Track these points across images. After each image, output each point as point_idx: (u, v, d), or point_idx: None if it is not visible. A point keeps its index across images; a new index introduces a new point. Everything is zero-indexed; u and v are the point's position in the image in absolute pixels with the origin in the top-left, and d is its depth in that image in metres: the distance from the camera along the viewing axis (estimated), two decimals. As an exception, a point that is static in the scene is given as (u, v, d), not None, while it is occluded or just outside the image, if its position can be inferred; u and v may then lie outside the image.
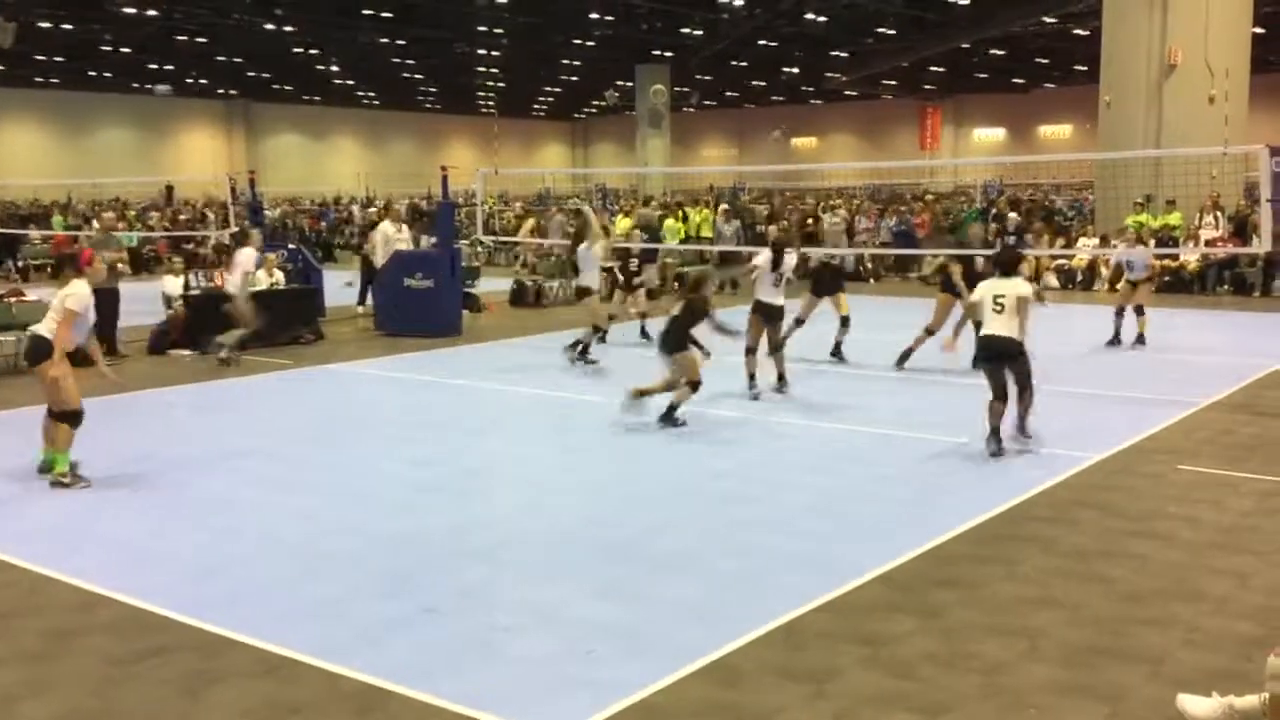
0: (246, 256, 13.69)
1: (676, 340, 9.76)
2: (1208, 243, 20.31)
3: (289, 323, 15.10)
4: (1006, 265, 8.97)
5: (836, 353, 13.14)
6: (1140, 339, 14.08)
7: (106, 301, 11.77)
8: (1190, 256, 20.32)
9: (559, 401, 11.17)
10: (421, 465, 8.56)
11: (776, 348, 11.11)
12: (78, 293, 7.97)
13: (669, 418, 9.65)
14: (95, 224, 21.08)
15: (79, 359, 8.29)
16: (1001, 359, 8.57)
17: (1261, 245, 14.25)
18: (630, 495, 7.74)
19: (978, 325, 9.40)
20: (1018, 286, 8.65)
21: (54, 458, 7.96)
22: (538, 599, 5.76)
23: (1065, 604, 5.60)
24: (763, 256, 10.97)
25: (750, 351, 11.00)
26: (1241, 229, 20.29)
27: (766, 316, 10.99)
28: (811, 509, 7.30)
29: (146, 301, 15.77)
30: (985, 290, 8.81)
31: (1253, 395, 11.05)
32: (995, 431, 8.57)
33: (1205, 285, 20.40)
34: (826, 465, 8.52)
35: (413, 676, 4.80)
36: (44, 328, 8.02)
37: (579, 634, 5.27)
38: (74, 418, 7.92)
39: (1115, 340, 14.12)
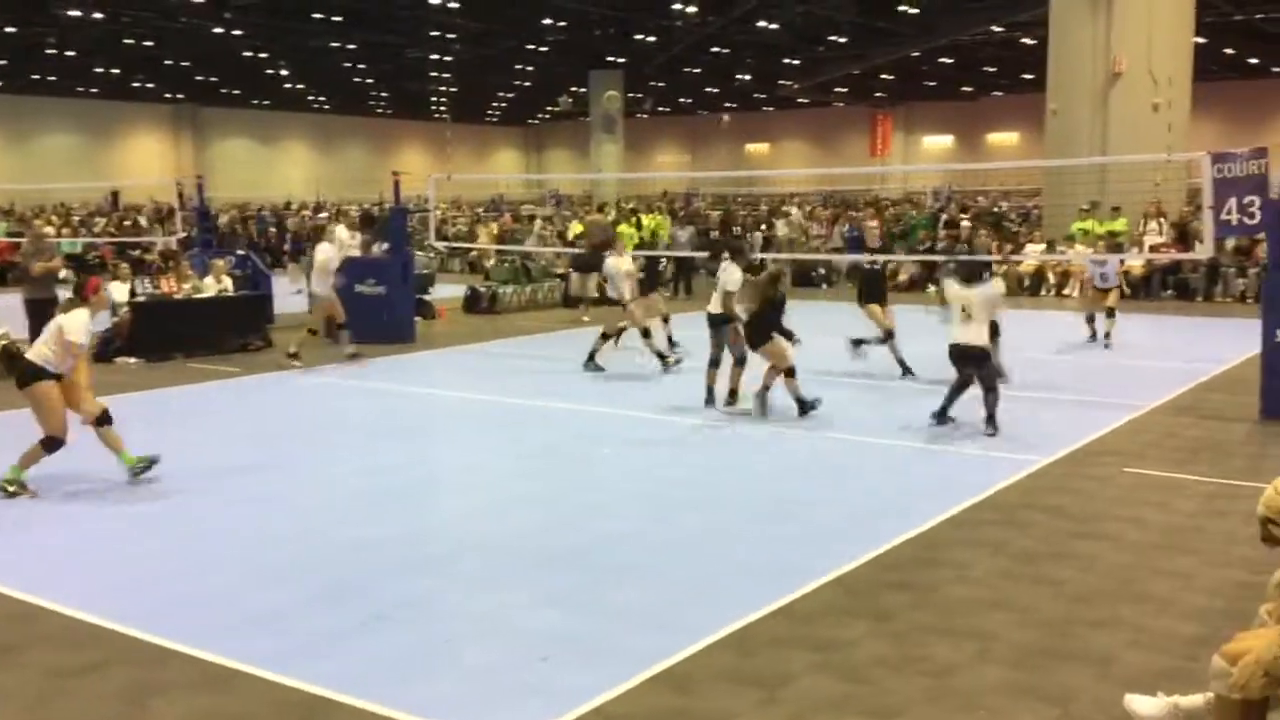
0: (325, 252, 13.82)
1: (761, 334, 10.21)
2: (1152, 248, 20.66)
3: (239, 330, 14.95)
4: (968, 277, 9.77)
5: (906, 370, 12.30)
6: (1106, 340, 14.51)
7: (45, 310, 11.47)
8: (1135, 262, 20.65)
9: (514, 408, 11.11)
10: (374, 473, 8.47)
11: (739, 360, 10.63)
12: (79, 324, 7.82)
13: (804, 408, 10.14)
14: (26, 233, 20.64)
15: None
16: (967, 361, 9.47)
17: (1204, 251, 14.56)
18: (587, 503, 7.70)
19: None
20: (984, 291, 9.50)
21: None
22: (490, 607, 5.71)
23: (1015, 606, 5.65)
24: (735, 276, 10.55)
25: (714, 364, 10.74)
26: (1184, 235, 20.66)
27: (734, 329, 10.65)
28: (766, 515, 7.32)
29: (91, 308, 15.46)
30: (954, 300, 9.60)
31: (1197, 398, 11.24)
32: (946, 406, 9.66)
33: (1149, 290, 20.74)
34: (782, 472, 8.55)
35: (361, 686, 4.74)
36: (36, 354, 7.93)
37: (532, 642, 5.24)
38: (51, 443, 7.85)
39: (1093, 339, 14.73)
